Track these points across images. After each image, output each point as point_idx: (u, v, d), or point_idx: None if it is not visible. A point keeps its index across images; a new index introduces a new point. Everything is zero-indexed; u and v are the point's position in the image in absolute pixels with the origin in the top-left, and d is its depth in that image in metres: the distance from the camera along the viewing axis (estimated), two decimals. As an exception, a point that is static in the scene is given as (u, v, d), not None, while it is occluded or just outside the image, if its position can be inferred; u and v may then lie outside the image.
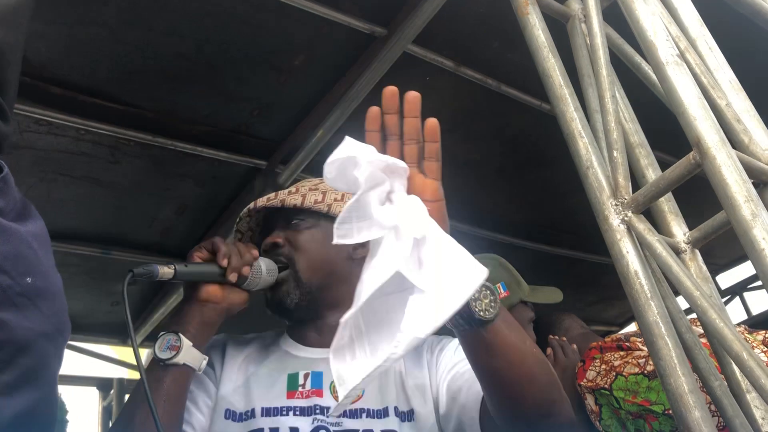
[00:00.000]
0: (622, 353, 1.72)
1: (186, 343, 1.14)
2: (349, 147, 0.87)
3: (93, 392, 3.81)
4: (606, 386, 1.69)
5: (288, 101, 2.60)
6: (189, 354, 1.13)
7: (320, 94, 2.59)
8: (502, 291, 2.11)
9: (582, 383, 1.77)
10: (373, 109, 0.94)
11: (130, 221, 3.12)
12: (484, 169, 3.15)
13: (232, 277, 1.20)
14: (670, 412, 1.60)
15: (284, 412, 1.19)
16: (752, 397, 1.30)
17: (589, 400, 1.77)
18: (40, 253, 0.72)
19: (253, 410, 1.21)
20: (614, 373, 1.69)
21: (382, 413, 1.23)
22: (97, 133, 2.53)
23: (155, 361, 1.12)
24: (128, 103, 2.46)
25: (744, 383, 1.30)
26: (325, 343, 1.27)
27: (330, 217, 1.36)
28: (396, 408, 1.24)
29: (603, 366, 1.73)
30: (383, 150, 0.94)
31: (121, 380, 4.01)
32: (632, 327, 4.77)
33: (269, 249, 1.35)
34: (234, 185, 2.97)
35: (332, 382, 1.21)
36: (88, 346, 3.99)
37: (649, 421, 1.63)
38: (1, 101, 0.75)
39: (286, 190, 1.43)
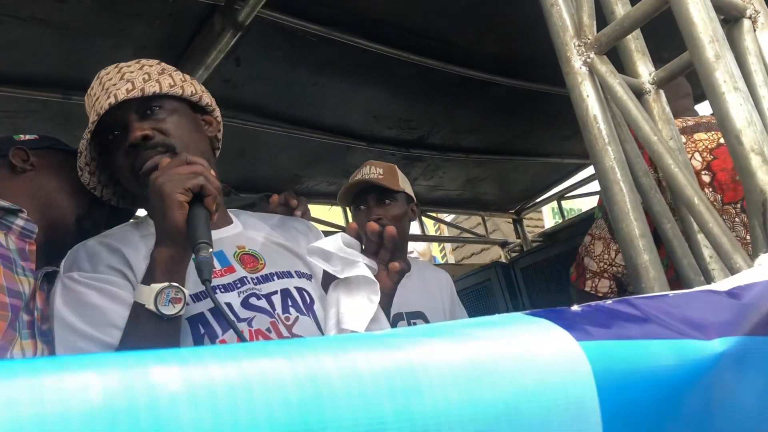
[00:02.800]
0: None
1: (186, 293, 1.09)
2: (339, 241, 1.15)
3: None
4: None
5: (243, -70, 2.40)
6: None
7: None
8: None
9: None
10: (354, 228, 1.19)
11: (89, 64, 2.92)
12: (457, 2, 3.00)
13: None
14: None
15: (213, 292, 1.17)
16: (702, 237, 1.33)
17: None
18: None
19: None
20: None
21: (288, 275, 1.31)
22: (37, -30, 2.35)
23: (155, 315, 1.05)
24: (67, -65, 2.26)
25: (695, 225, 1.32)
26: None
27: (184, 100, 1.33)
28: (297, 271, 1.33)
29: None
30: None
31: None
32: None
33: (139, 143, 1.25)
34: (193, 24, 2.81)
35: (234, 253, 1.29)
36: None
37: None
38: None
39: (141, 76, 1.32)
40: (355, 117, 3.91)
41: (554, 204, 6.31)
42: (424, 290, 2.38)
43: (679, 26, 1.17)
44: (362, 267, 1.14)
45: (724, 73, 1.10)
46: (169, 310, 1.05)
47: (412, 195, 2.53)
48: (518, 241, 6.03)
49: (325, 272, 1.18)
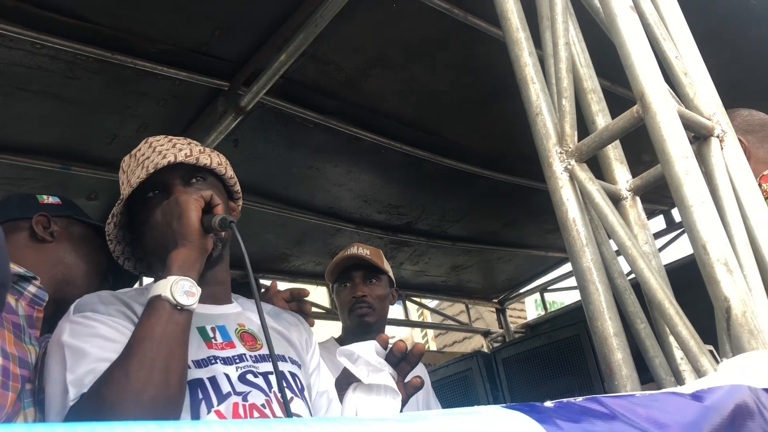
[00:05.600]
0: None
1: (199, 290, 1.14)
2: (372, 348, 1.22)
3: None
4: None
5: (251, 22, 2.55)
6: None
7: (284, 17, 2.55)
8: None
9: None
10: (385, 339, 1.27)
11: (91, 138, 3.08)
12: (450, 99, 3.15)
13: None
14: None
15: (213, 362, 1.25)
16: (674, 339, 1.39)
17: None
18: None
19: None
20: None
21: (282, 358, 1.35)
22: (53, 48, 2.46)
23: (170, 304, 1.10)
24: (85, 18, 2.40)
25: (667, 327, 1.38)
26: (210, 299, 1.32)
27: (222, 181, 1.41)
28: (290, 357, 1.38)
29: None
30: None
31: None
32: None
33: None
34: (196, 105, 2.94)
35: (235, 329, 1.33)
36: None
37: None
38: None
39: (196, 149, 1.37)
40: (346, 200, 4.01)
41: (537, 296, 6.37)
42: None
43: (652, 141, 1.27)
44: (387, 376, 1.20)
45: (692, 187, 1.19)
46: (183, 300, 1.10)
47: (394, 280, 2.61)
48: (501, 330, 6.06)
49: (342, 373, 1.25)
